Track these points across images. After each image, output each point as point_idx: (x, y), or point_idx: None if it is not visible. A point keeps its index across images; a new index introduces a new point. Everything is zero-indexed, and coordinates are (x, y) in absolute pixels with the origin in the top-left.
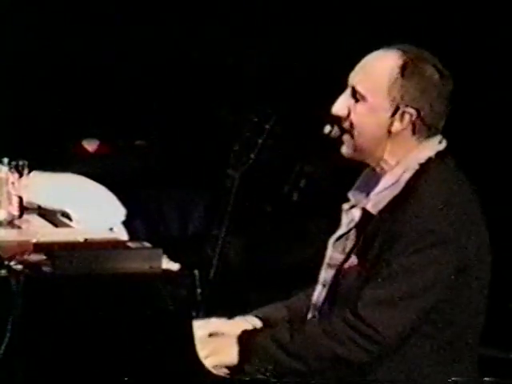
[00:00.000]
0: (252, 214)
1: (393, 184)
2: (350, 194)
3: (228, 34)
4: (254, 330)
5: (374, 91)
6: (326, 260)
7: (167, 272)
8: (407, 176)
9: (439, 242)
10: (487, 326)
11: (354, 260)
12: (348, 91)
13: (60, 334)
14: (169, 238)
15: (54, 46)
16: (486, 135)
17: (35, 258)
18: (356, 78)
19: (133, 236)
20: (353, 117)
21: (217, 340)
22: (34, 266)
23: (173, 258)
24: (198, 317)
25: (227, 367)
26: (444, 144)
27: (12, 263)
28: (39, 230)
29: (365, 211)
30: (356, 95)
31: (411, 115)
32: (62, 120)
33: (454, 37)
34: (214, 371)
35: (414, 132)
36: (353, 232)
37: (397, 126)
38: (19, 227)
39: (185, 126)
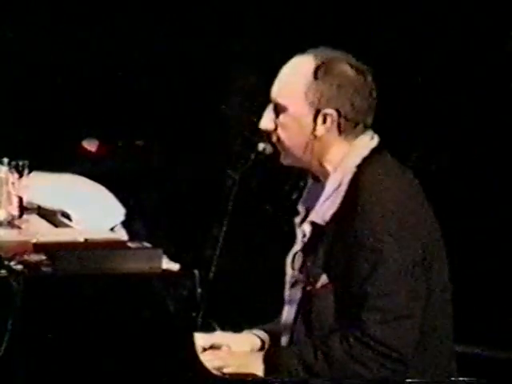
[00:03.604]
0: (252, 214)
1: (335, 191)
2: (299, 207)
3: (226, 34)
4: (278, 347)
5: (292, 100)
6: (288, 278)
7: (167, 272)
8: (347, 180)
9: (393, 248)
10: (487, 326)
11: (324, 279)
12: (271, 105)
13: (60, 334)
14: (169, 238)
15: (54, 46)
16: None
17: (35, 257)
18: (275, 91)
19: (133, 236)
20: (279, 129)
21: (242, 355)
22: (34, 265)
23: (173, 258)
24: (197, 317)
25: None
26: (376, 140)
27: (12, 263)
28: (39, 230)
29: (314, 224)
30: (278, 108)
31: (332, 116)
32: (62, 120)
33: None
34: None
35: (340, 132)
36: (308, 248)
37: (321, 129)
38: (19, 227)
39: (185, 126)
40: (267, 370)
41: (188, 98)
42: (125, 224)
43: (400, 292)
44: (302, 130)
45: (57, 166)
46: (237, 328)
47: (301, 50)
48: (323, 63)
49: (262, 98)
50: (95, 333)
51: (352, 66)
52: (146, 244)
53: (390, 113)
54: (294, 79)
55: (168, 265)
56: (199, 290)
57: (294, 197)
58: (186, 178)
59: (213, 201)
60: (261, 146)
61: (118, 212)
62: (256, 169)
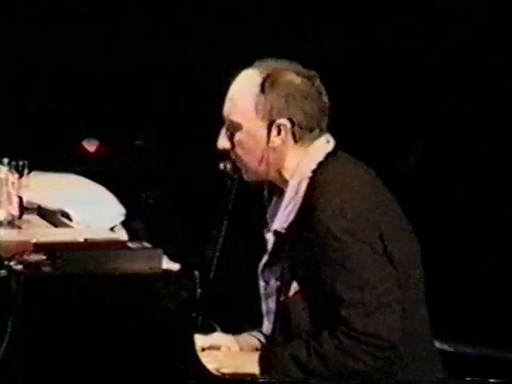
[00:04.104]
0: (252, 214)
1: (293, 198)
2: (267, 218)
3: (226, 34)
4: (271, 346)
5: (244, 116)
6: (261, 290)
7: (167, 272)
8: (303, 186)
9: (351, 243)
10: (487, 325)
11: (295, 286)
12: (225, 125)
13: (60, 334)
14: (169, 238)
15: (54, 46)
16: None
17: (35, 257)
18: (227, 109)
19: (133, 236)
20: (236, 147)
21: (236, 355)
22: (34, 265)
23: (173, 258)
24: (197, 317)
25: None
26: (332, 143)
27: (12, 263)
28: (39, 230)
29: (277, 233)
30: (232, 126)
31: (286, 126)
32: (62, 120)
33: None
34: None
35: (295, 140)
36: (275, 257)
37: (276, 140)
38: (19, 227)
39: (184, 126)
40: (263, 370)
41: (188, 98)
42: (125, 224)
43: (371, 283)
44: (259, 144)
45: (57, 166)
46: (237, 328)
47: (300, 50)
48: (268, 75)
49: None
50: (95, 333)
51: (298, 74)
52: (146, 244)
53: (389, 113)
54: (243, 95)
55: (168, 265)
56: (199, 290)
57: None
58: (186, 178)
59: (213, 201)
60: (221, 165)
61: (118, 212)
62: None
